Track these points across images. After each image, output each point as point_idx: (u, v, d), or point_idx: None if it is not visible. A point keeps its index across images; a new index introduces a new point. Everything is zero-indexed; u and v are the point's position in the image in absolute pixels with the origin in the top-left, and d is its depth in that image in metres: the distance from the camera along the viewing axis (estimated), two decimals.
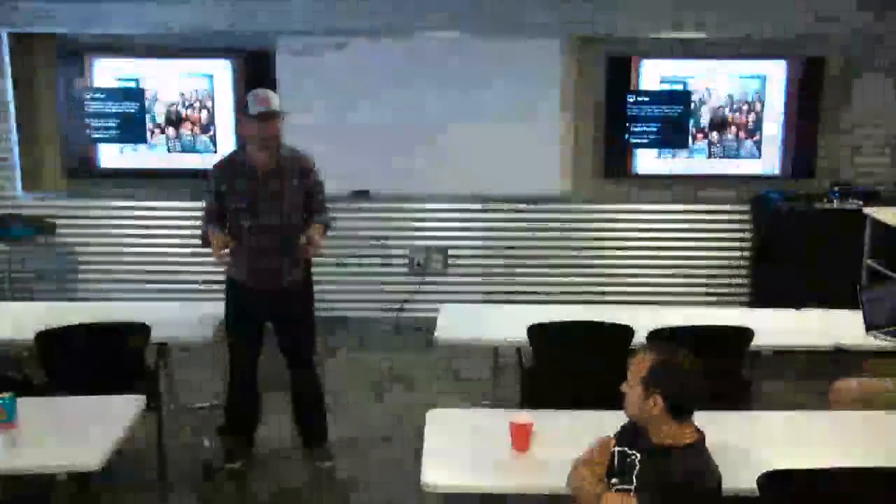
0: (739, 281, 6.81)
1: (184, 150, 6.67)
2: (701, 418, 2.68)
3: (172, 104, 6.61)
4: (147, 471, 4.25)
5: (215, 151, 6.55)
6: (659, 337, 3.92)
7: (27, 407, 3.27)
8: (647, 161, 6.69)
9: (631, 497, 2.57)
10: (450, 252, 6.84)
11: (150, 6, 6.34)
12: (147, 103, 6.60)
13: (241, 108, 4.69)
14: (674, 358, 2.59)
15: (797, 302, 4.74)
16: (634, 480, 2.59)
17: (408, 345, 6.21)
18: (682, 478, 2.50)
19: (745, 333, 4.03)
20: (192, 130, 6.65)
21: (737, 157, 6.66)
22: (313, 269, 4.47)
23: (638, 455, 2.62)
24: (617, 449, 2.68)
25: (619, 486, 2.62)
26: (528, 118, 6.49)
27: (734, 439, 3.01)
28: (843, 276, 5.76)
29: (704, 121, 6.61)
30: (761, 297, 6.41)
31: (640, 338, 3.99)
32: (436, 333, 4.32)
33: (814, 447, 3.16)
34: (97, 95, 6.59)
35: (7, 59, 6.56)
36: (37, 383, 4.04)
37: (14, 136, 6.67)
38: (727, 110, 6.59)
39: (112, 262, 6.83)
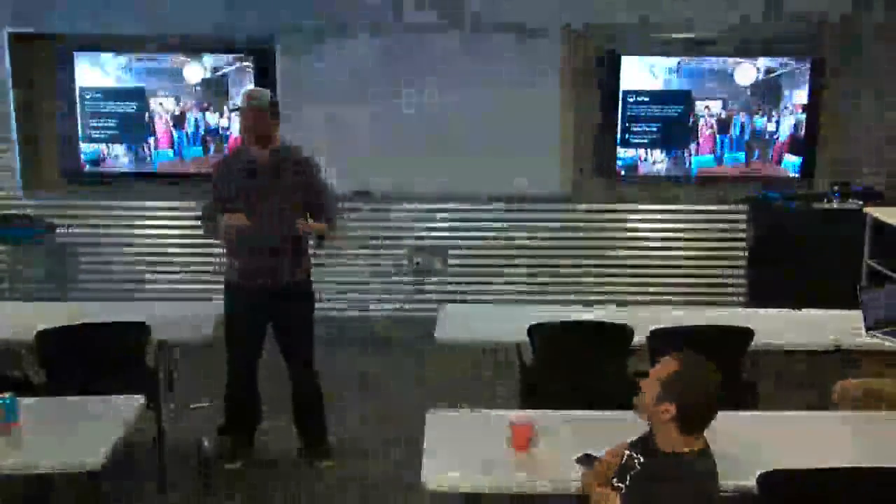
0: (739, 281, 6.81)
1: (184, 150, 6.67)
2: None
3: (173, 104, 6.61)
4: (147, 471, 4.25)
5: (216, 151, 6.56)
6: (659, 337, 3.92)
7: (27, 407, 3.27)
8: (647, 161, 6.69)
9: (615, 495, 2.59)
10: (450, 252, 6.84)
11: (150, 6, 6.33)
12: (147, 103, 6.60)
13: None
14: (698, 373, 2.55)
15: (796, 302, 4.73)
16: (628, 480, 2.60)
17: (408, 345, 6.21)
18: (672, 485, 2.50)
19: (745, 333, 4.04)
20: (192, 130, 6.64)
21: (737, 157, 6.66)
22: (313, 269, 4.47)
23: (641, 458, 2.62)
24: (627, 452, 2.69)
25: (616, 485, 2.63)
26: (528, 117, 6.49)
27: (734, 439, 3.01)
28: (843, 276, 5.76)
29: (704, 121, 6.61)
30: (761, 297, 6.40)
31: (640, 338, 3.99)
32: (436, 333, 4.32)
33: (814, 447, 3.15)
34: (97, 95, 6.59)
35: (7, 59, 6.56)
36: (37, 383, 4.04)
37: (14, 136, 6.67)
38: (726, 110, 6.59)
39: (112, 262, 6.83)
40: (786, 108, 6.58)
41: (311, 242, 4.42)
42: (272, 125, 4.21)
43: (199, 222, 4.46)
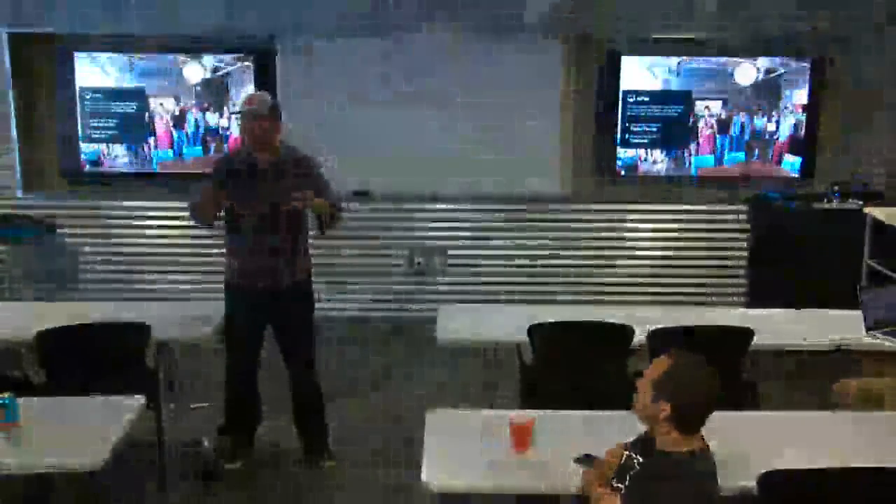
0: (739, 281, 6.81)
1: (184, 150, 6.67)
2: None
3: (173, 104, 6.61)
4: (147, 471, 4.24)
5: (216, 151, 6.56)
6: (659, 337, 3.92)
7: (27, 407, 3.27)
8: (648, 161, 6.69)
9: (615, 496, 2.59)
10: (450, 252, 6.84)
11: (150, 6, 6.33)
12: (147, 103, 6.60)
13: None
14: (692, 370, 2.55)
15: (796, 302, 4.74)
16: (628, 480, 2.60)
17: (407, 345, 6.21)
18: (671, 484, 2.50)
19: (745, 333, 4.03)
20: (192, 130, 6.65)
21: (737, 157, 6.66)
22: (313, 269, 4.47)
23: (640, 458, 2.62)
24: (626, 452, 2.69)
25: (615, 486, 2.64)
26: (528, 118, 6.49)
27: (734, 439, 3.01)
28: (843, 276, 5.76)
29: (704, 121, 6.61)
30: (761, 297, 6.41)
31: (640, 338, 3.99)
32: (436, 333, 4.32)
33: (814, 447, 3.15)
34: (97, 95, 6.59)
35: (7, 59, 6.56)
36: (37, 383, 4.04)
37: (14, 136, 6.67)
38: (727, 110, 6.59)
39: (112, 262, 6.83)
40: (786, 108, 6.58)
41: (310, 231, 4.40)
42: (273, 129, 4.20)
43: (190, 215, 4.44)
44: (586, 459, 2.89)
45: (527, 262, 6.81)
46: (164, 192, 6.68)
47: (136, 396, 3.46)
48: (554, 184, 6.66)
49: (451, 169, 6.52)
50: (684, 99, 6.58)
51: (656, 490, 2.52)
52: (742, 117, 6.60)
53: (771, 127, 6.62)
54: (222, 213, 4.30)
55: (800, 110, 6.58)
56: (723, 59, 6.55)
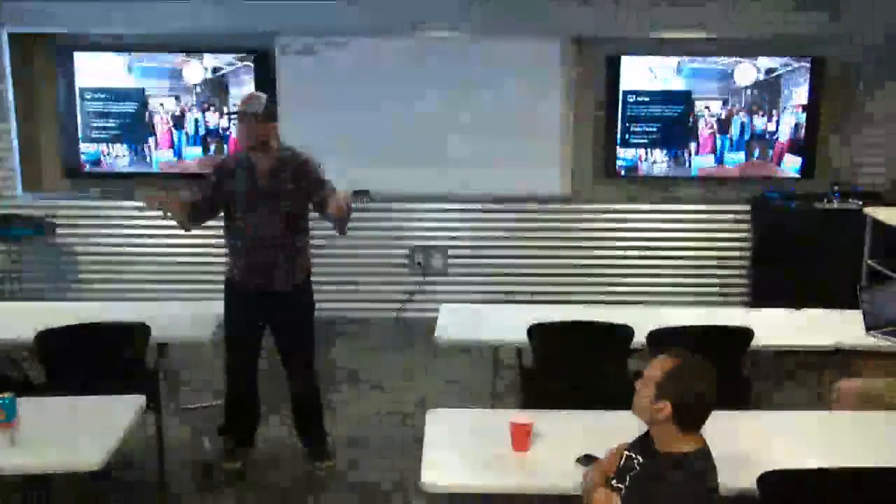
0: (739, 281, 6.81)
1: (184, 150, 6.67)
2: None
3: (173, 104, 6.61)
4: (147, 471, 4.25)
5: (216, 151, 6.56)
6: (659, 337, 3.92)
7: (27, 407, 3.27)
8: (648, 161, 6.70)
9: (615, 496, 2.59)
10: (450, 252, 6.84)
11: (150, 6, 6.34)
12: (147, 103, 6.60)
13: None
14: (692, 370, 2.55)
15: (797, 302, 4.73)
16: (628, 481, 2.61)
17: (408, 345, 6.21)
18: (671, 485, 2.50)
19: (745, 333, 4.03)
20: (192, 130, 6.65)
21: (736, 157, 6.67)
22: (313, 269, 4.47)
23: (640, 459, 2.63)
24: (626, 452, 2.69)
25: (615, 486, 2.64)
26: (529, 118, 6.50)
27: (734, 439, 3.01)
28: (843, 276, 5.76)
29: (704, 121, 6.61)
30: (761, 296, 6.41)
31: (640, 338, 3.99)
32: (436, 333, 4.32)
33: (814, 447, 3.16)
34: (97, 95, 6.59)
35: (7, 59, 6.57)
36: (37, 383, 4.04)
37: (14, 136, 6.67)
38: (727, 110, 6.59)
39: (112, 262, 6.83)
40: (786, 108, 6.58)
41: (312, 231, 4.41)
42: (270, 129, 4.19)
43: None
44: (586, 460, 2.89)
45: (527, 262, 6.81)
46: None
47: (136, 396, 3.46)
48: (554, 184, 6.66)
49: (452, 169, 6.52)
50: (684, 99, 6.58)
51: (656, 490, 2.52)
52: (742, 117, 6.60)
53: (771, 127, 6.62)
54: (221, 214, 4.30)
55: (800, 110, 6.58)
56: (723, 59, 6.55)
